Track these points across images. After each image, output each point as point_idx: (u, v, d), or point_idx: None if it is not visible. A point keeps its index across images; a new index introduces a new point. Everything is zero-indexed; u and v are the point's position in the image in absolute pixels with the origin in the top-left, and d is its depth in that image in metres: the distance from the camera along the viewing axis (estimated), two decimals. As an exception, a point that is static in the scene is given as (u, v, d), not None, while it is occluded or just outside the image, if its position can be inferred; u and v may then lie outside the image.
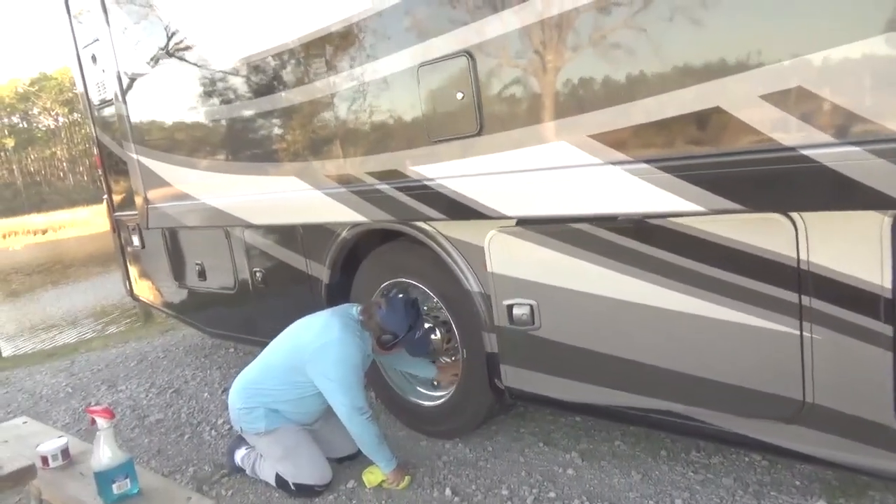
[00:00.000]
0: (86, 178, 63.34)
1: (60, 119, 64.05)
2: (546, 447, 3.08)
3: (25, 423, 3.00)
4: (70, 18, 4.96)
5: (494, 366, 2.82)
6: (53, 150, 63.90)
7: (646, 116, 1.79)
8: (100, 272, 16.71)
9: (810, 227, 1.80)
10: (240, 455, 3.11)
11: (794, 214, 1.81)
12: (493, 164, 2.16)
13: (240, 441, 3.14)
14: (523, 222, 2.34)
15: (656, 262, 2.11)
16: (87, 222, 35.95)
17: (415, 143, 2.42)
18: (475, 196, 2.24)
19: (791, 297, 1.88)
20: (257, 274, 3.96)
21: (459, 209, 2.33)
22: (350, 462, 3.12)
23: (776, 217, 1.85)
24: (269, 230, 3.71)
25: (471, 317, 2.88)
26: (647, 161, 1.79)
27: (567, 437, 3.15)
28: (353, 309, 2.98)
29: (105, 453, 2.09)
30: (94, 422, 2.11)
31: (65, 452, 2.45)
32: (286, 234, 3.63)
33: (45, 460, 2.41)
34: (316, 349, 2.81)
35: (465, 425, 3.17)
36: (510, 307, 2.47)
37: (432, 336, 3.29)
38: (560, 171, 1.98)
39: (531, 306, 2.42)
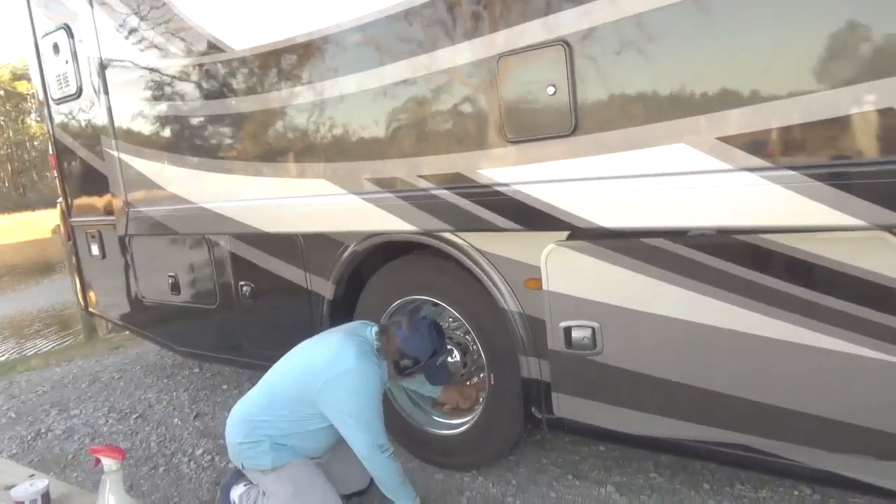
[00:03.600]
0: (6, 184, 60.00)
1: (-21, 122, 60.44)
2: (576, 480, 2.85)
3: (-17, 458, 2.56)
4: (29, 4, 4.50)
5: (532, 393, 2.59)
6: (-31, 154, 60.27)
7: (801, 116, 1.60)
8: (27, 284, 15.63)
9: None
10: (237, 492, 2.75)
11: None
12: (588, 168, 1.93)
13: (237, 476, 2.77)
14: (590, 236, 2.12)
15: (742, 282, 1.92)
16: (7, 231, 33.90)
17: (486, 143, 2.17)
18: (562, 204, 2.00)
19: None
20: (244, 288, 3.60)
21: (538, 218, 2.08)
22: (359, 498, 2.81)
23: (883, 235, 1.70)
24: (262, 239, 3.37)
25: (504, 339, 2.64)
26: (795, 168, 1.60)
27: (596, 468, 2.94)
28: (368, 330, 2.67)
29: (110, 503, 1.73)
30: (98, 462, 1.75)
31: (45, 497, 2.05)
32: (283, 245, 3.30)
33: (21, 507, 2.02)
34: (329, 380, 2.48)
35: (487, 457, 2.91)
36: (568, 329, 2.24)
37: (450, 359, 3.04)
38: (678, 178, 1.77)
39: (593, 329, 2.19)
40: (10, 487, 2.16)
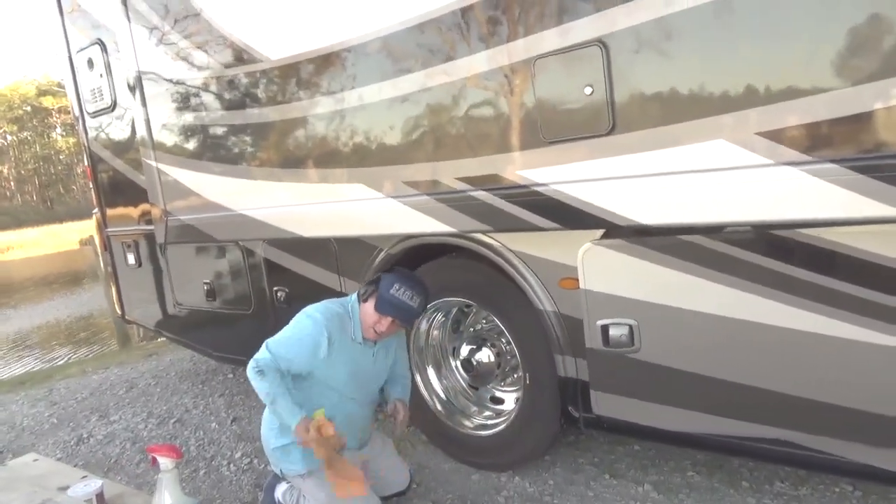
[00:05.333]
0: (35, 198, 61.21)
1: (9, 137, 61.79)
2: (613, 479, 2.86)
3: (36, 461, 2.64)
4: (63, 21, 4.63)
5: (569, 392, 2.61)
6: (0, 168, 61.57)
7: (841, 109, 1.61)
8: (59, 293, 15.95)
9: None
10: (280, 491, 2.79)
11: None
12: (626, 166, 1.96)
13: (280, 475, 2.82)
14: (626, 234, 2.14)
15: (781, 277, 1.93)
16: (37, 243, 34.59)
17: (524, 144, 2.20)
18: (600, 202, 2.02)
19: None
20: (279, 293, 3.67)
21: (577, 217, 2.11)
22: (398, 499, 2.85)
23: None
24: (297, 245, 3.43)
25: (539, 339, 2.67)
26: (836, 161, 1.62)
27: (632, 467, 2.94)
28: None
29: (167, 500, 1.79)
30: (155, 461, 1.81)
31: (100, 497, 2.12)
32: (317, 250, 3.35)
33: (77, 506, 2.09)
34: None
35: (524, 457, 2.93)
36: (605, 328, 2.26)
37: (478, 358, 3.07)
38: (717, 174, 1.79)
39: (630, 326, 2.21)
40: (63, 488, 2.24)
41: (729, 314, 2.03)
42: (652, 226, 2.00)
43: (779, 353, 1.99)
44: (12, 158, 61.60)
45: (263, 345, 2.39)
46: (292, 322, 2.50)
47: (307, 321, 2.46)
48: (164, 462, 1.78)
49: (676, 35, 1.86)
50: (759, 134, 1.71)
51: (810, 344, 1.93)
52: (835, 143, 1.65)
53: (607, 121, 1.99)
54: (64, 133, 57.86)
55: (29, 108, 59.41)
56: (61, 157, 60.15)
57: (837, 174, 1.63)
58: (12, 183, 62.29)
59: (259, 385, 2.33)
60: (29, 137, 61.69)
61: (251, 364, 2.35)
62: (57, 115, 56.37)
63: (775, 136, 1.70)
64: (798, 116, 1.68)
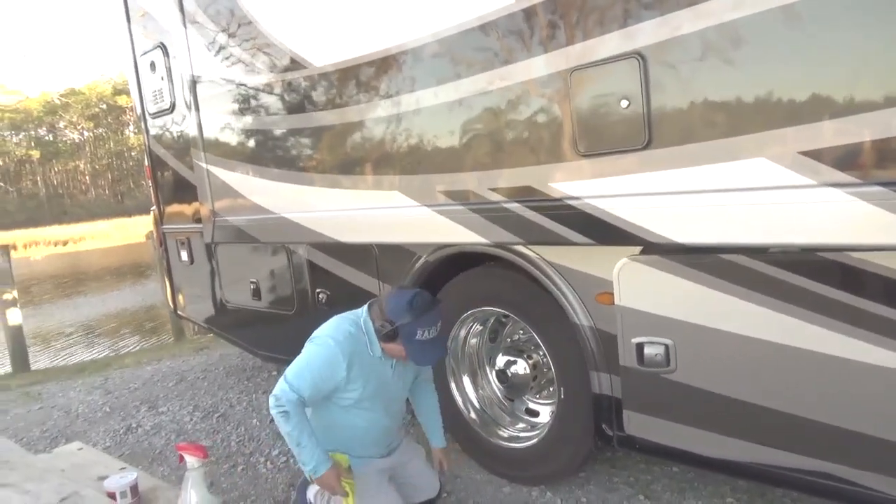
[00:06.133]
0: (107, 192, 64.09)
1: (86, 133, 64.93)
2: (648, 501, 2.78)
3: (80, 449, 2.75)
4: (129, 25, 4.82)
5: (603, 409, 2.55)
6: (77, 163, 64.74)
7: (890, 129, 1.52)
8: (124, 284, 16.66)
9: None
10: (313, 491, 2.81)
11: None
12: (663, 182, 1.90)
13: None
14: (664, 250, 2.07)
15: (826, 301, 1.83)
16: (107, 235, 36.22)
17: (558, 156, 2.17)
18: (635, 219, 1.97)
19: None
20: (320, 295, 3.72)
21: (610, 233, 2.06)
22: (429, 507, 2.83)
23: None
24: (339, 249, 3.47)
25: (574, 353, 2.62)
26: (885, 184, 1.53)
27: (669, 489, 2.85)
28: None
29: (192, 498, 1.83)
30: (182, 459, 1.85)
31: (133, 489, 2.19)
32: (359, 255, 3.38)
33: (112, 496, 2.15)
34: None
35: (557, 472, 2.88)
36: (640, 346, 2.20)
37: (513, 369, 3.03)
38: (757, 193, 1.72)
39: (666, 346, 2.14)
40: (102, 478, 2.32)
41: (770, 338, 1.94)
42: (685, 245, 1.92)
43: (823, 382, 1.89)
44: (88, 154, 64.70)
45: (282, 377, 2.29)
46: (306, 351, 2.36)
47: (321, 350, 2.33)
48: (191, 461, 1.82)
49: (716, 48, 1.79)
50: (804, 153, 1.63)
51: (857, 373, 1.82)
52: (884, 165, 1.56)
53: (643, 135, 1.93)
54: (136, 131, 60.33)
55: (105, 107, 62.36)
56: (133, 153, 62.80)
57: (885, 197, 1.54)
58: (87, 177, 65.39)
59: (283, 427, 2.26)
60: (104, 134, 64.76)
61: (272, 401, 2.26)
62: (130, 113, 58.75)
63: (820, 155, 1.62)
64: (845, 136, 1.59)
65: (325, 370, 2.30)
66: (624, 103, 1.96)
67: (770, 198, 1.70)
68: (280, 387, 2.27)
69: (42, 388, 5.68)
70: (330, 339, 2.33)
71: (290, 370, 2.32)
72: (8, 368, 6.99)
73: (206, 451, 1.85)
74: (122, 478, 2.21)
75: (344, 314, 2.47)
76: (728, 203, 1.79)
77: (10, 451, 2.70)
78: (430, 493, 2.76)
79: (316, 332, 2.41)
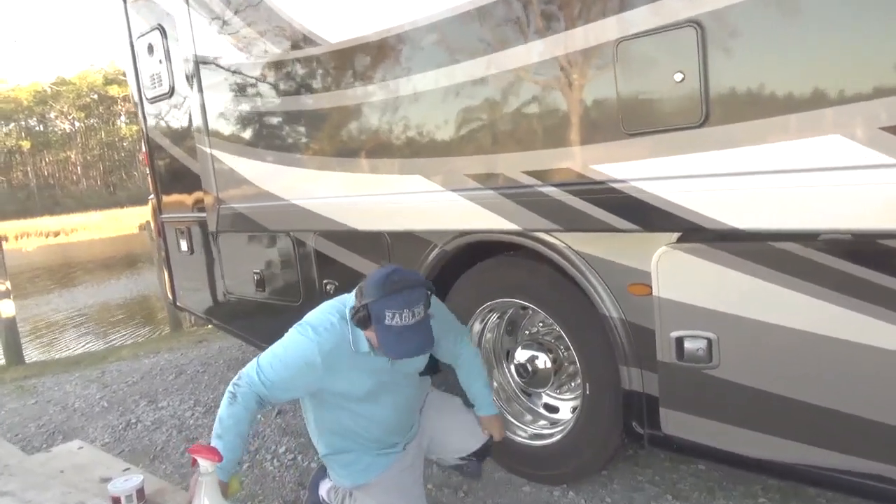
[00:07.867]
0: (99, 182, 63.60)
1: (77, 124, 64.34)
2: (676, 501, 2.66)
3: (81, 448, 2.60)
4: (126, 7, 4.64)
5: (634, 406, 2.42)
6: (68, 154, 64.16)
7: None
8: (119, 274, 16.48)
9: None
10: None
11: None
12: (720, 163, 1.76)
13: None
14: (707, 238, 1.94)
15: (885, 292, 1.71)
16: (99, 226, 35.94)
17: (601, 136, 2.02)
18: (689, 203, 1.83)
19: None
20: (328, 286, 3.57)
21: (660, 218, 1.92)
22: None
23: None
24: (349, 238, 3.32)
25: (602, 347, 2.49)
26: None
27: (696, 489, 2.74)
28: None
29: None
30: (195, 463, 1.72)
31: (140, 493, 2.04)
32: (370, 244, 3.24)
33: (117, 501, 2.01)
34: None
35: (580, 471, 2.76)
36: (680, 340, 2.07)
37: (535, 362, 2.90)
38: (831, 174, 1.58)
39: (709, 340, 2.01)
40: (105, 480, 2.17)
41: (822, 331, 1.82)
42: (745, 230, 1.78)
43: (877, 378, 1.77)
44: (79, 145, 64.12)
45: (255, 359, 2.10)
46: (287, 336, 2.13)
47: (299, 341, 2.09)
48: (204, 465, 1.69)
49: (784, 14, 1.64)
50: (886, 129, 1.49)
51: (919, 370, 1.70)
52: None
53: (700, 112, 1.79)
54: (128, 121, 59.88)
55: (96, 96, 61.76)
56: (124, 143, 62.32)
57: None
58: (79, 168, 64.84)
59: (222, 408, 2.02)
60: (95, 124, 64.15)
61: (235, 378, 2.06)
62: (122, 104, 58.31)
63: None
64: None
65: (297, 366, 2.06)
66: (678, 77, 1.82)
67: (847, 178, 1.57)
68: (248, 368, 2.07)
69: (37, 382, 5.53)
70: (310, 328, 2.09)
71: (265, 355, 2.10)
72: (1, 361, 6.84)
73: (221, 454, 1.71)
74: (126, 480, 2.06)
75: (335, 299, 2.22)
76: (797, 185, 1.65)
77: (8, 454, 2.55)
78: (475, 444, 2.45)
79: (305, 317, 2.16)
